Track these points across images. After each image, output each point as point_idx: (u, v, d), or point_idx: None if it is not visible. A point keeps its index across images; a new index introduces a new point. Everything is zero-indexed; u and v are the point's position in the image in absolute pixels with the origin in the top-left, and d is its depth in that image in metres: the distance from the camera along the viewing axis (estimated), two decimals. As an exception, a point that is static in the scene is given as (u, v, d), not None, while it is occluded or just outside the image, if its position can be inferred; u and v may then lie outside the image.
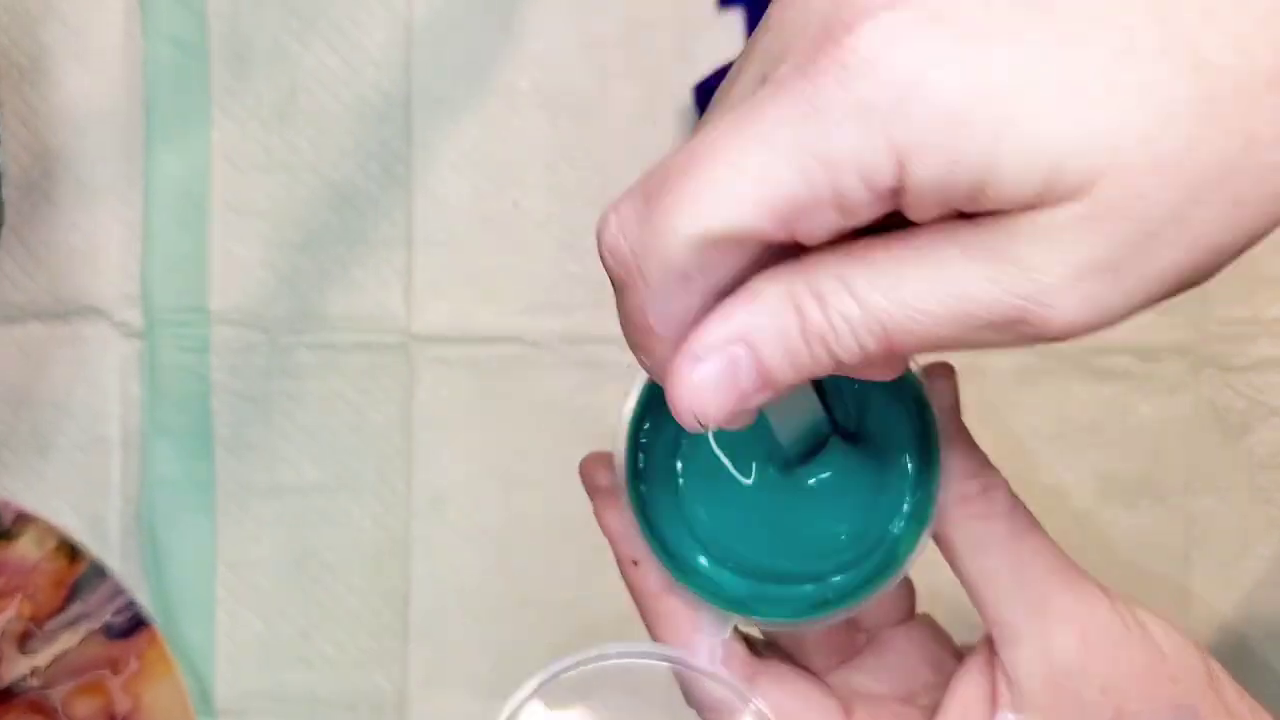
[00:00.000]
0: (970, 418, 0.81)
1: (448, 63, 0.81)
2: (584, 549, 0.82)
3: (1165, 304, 0.85)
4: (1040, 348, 0.80)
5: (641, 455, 0.42)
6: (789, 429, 0.37)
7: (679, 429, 0.36)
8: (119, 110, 0.82)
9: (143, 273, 0.82)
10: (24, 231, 0.83)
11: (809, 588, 0.40)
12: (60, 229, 0.83)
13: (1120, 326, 0.84)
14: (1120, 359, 0.80)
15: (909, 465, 0.40)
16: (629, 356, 0.86)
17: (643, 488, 0.42)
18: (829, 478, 0.39)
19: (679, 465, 0.41)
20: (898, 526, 0.40)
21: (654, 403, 0.40)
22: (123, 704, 0.82)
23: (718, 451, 0.39)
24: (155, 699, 0.82)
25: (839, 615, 0.39)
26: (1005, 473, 0.80)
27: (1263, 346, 0.80)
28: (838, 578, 0.40)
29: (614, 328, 0.86)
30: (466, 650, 0.82)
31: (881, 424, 0.40)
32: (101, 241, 0.82)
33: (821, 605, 0.39)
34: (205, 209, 0.82)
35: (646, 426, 0.42)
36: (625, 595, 0.82)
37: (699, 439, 0.39)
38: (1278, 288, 0.80)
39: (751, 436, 0.37)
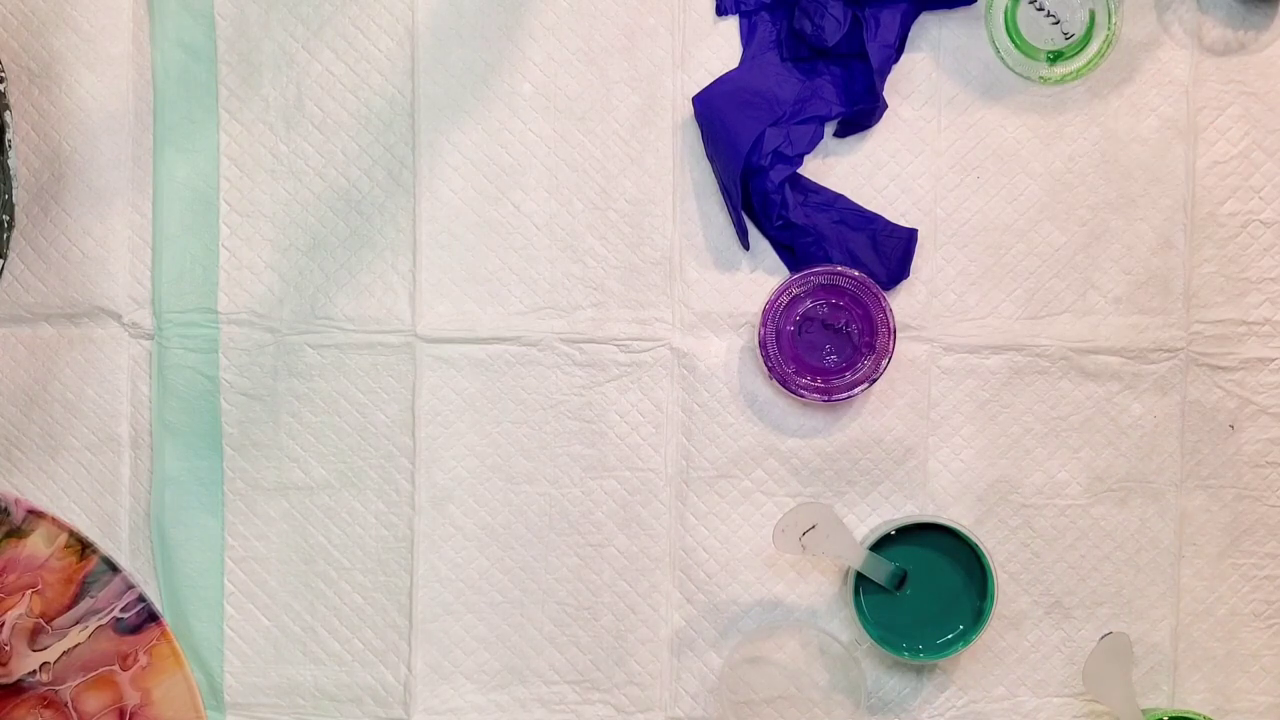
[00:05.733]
0: (965, 417, 0.82)
1: (451, 69, 0.82)
2: (584, 545, 0.83)
3: (1154, 305, 0.87)
4: (1032, 348, 0.81)
5: (860, 588, 0.79)
6: (879, 577, 0.78)
7: (863, 584, 0.79)
8: (128, 115, 0.83)
9: (152, 275, 0.83)
10: (34, 234, 0.83)
11: (933, 641, 0.80)
12: (70, 232, 0.83)
13: (1110, 328, 0.86)
14: (1111, 360, 0.81)
15: (973, 582, 0.79)
16: (628, 356, 0.88)
17: (862, 598, 0.79)
18: (919, 591, 0.79)
19: (864, 596, 0.80)
20: (974, 610, 0.79)
21: (861, 578, 0.78)
22: (132, 698, 0.82)
23: (878, 586, 0.79)
24: (164, 694, 0.82)
25: (946, 656, 0.79)
26: (999, 471, 0.81)
27: (1251, 347, 0.81)
28: (943, 638, 0.79)
29: (613, 328, 0.88)
30: (470, 645, 0.83)
31: (954, 561, 0.79)
32: (111, 244, 0.83)
33: (939, 649, 0.79)
34: (213, 212, 0.83)
35: (859, 582, 0.79)
36: (623, 590, 0.83)
37: (870, 584, 0.78)
38: (1265, 290, 0.81)
39: (882, 588, 0.79)
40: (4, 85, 0.78)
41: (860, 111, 0.80)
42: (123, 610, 0.82)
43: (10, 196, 0.78)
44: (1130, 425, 0.81)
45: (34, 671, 0.82)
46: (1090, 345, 0.81)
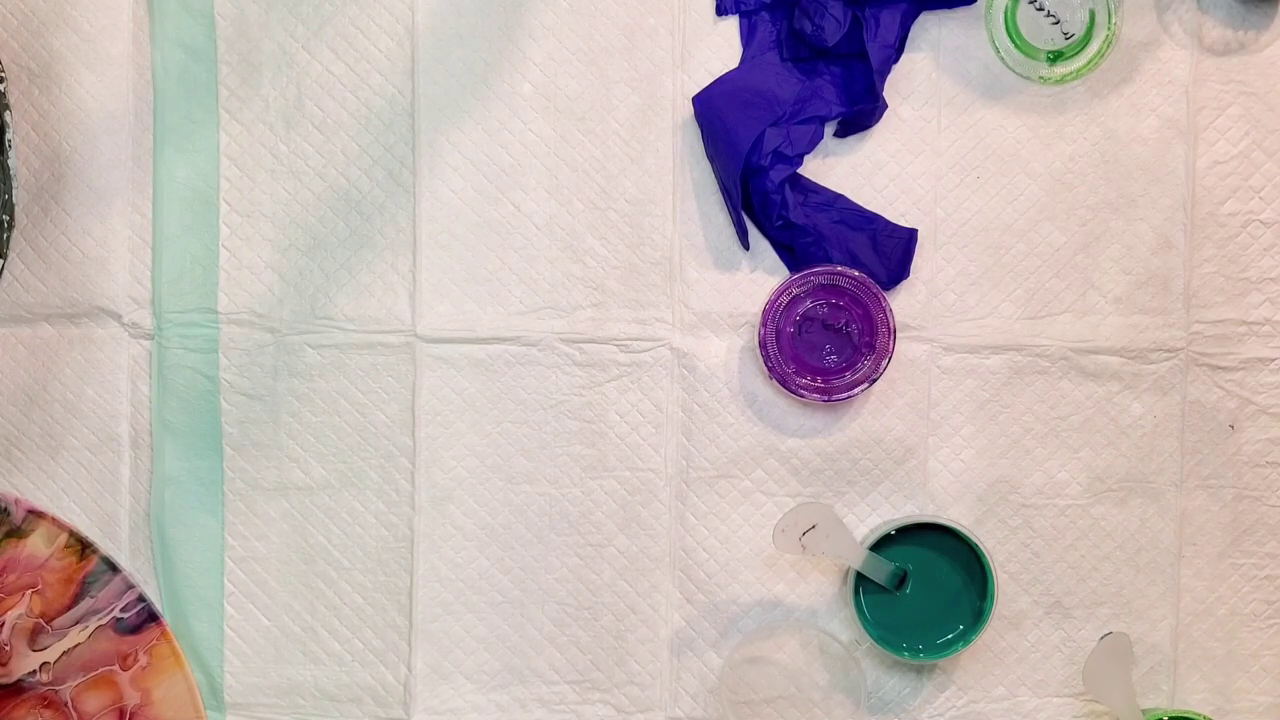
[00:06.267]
0: (965, 417, 0.82)
1: (451, 69, 0.82)
2: (584, 545, 0.83)
3: (1154, 305, 0.87)
4: (1032, 348, 0.81)
5: (860, 588, 0.79)
6: (879, 577, 0.78)
7: (863, 583, 0.79)
8: (128, 115, 0.83)
9: (152, 275, 0.83)
10: (34, 234, 0.84)
11: (933, 641, 0.79)
12: (70, 232, 0.83)
13: (1110, 328, 0.86)
14: (1111, 360, 0.81)
15: (973, 582, 0.79)
16: (628, 356, 0.88)
17: (862, 598, 0.79)
18: (919, 591, 0.79)
19: (864, 596, 0.79)
20: (974, 610, 0.79)
21: (861, 578, 0.78)
22: (132, 698, 0.82)
23: (878, 586, 0.79)
24: (164, 694, 0.82)
25: (946, 656, 0.79)
26: (999, 471, 0.81)
27: (1251, 347, 0.81)
28: (943, 638, 0.79)
29: (613, 328, 0.88)
30: (470, 645, 0.83)
31: (954, 561, 0.79)
32: (111, 244, 0.83)
33: (939, 649, 0.79)
34: (213, 212, 0.83)
35: (859, 582, 0.79)
36: (623, 590, 0.83)
37: (870, 584, 0.78)
38: (1265, 290, 0.81)
39: (882, 588, 0.79)
40: (4, 85, 0.78)
41: (860, 111, 0.80)
42: (123, 610, 0.82)
43: (10, 196, 0.78)
44: (1130, 425, 0.81)
45: (34, 671, 0.82)
46: (1090, 345, 0.81)
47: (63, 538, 0.82)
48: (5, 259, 0.78)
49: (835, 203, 0.81)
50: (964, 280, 0.81)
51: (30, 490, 0.84)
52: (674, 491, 0.82)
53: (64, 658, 0.82)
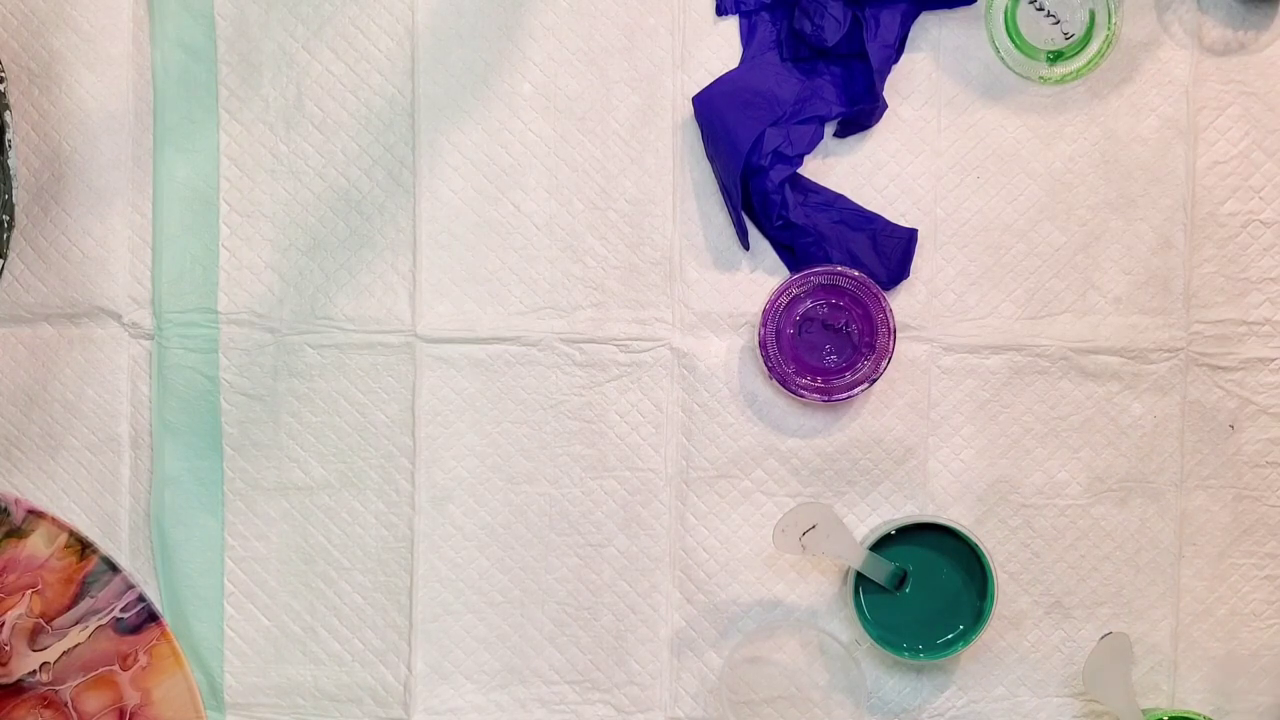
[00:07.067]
0: (965, 417, 0.82)
1: (451, 69, 0.82)
2: (584, 545, 0.83)
3: (1154, 305, 0.87)
4: (1032, 348, 0.81)
5: (860, 588, 0.79)
6: (879, 577, 0.78)
7: (863, 584, 0.79)
8: (128, 115, 0.83)
9: (152, 275, 0.83)
10: (34, 234, 0.84)
11: (933, 641, 0.79)
12: (70, 232, 0.83)
13: (1110, 328, 0.86)
14: (1111, 360, 0.81)
15: (973, 582, 0.79)
16: (628, 356, 0.88)
17: (862, 598, 0.79)
18: (919, 591, 0.79)
19: (864, 596, 0.79)
20: (974, 610, 0.79)
21: (861, 578, 0.78)
22: (132, 698, 0.82)
23: (878, 586, 0.79)
24: (164, 694, 0.82)
25: (946, 656, 0.79)
26: (998, 471, 0.81)
27: (1251, 347, 0.81)
28: (943, 638, 0.79)
29: (613, 328, 0.88)
30: (470, 645, 0.83)
31: (954, 561, 0.79)
32: (111, 244, 0.83)
33: (939, 649, 0.79)
34: (213, 212, 0.83)
35: (859, 582, 0.79)
36: (623, 590, 0.83)
37: (870, 584, 0.78)
38: (1265, 290, 0.81)
39: (882, 588, 0.79)
40: (4, 85, 0.78)
41: (860, 111, 0.80)
42: (123, 610, 0.82)
43: (10, 196, 0.78)
44: (1130, 425, 0.81)
45: (34, 671, 0.82)
46: (1090, 345, 0.81)
47: (63, 538, 0.82)
48: (5, 259, 0.78)
49: (835, 203, 0.81)
50: (964, 280, 0.81)
51: (30, 490, 0.84)
52: (674, 491, 0.82)
53: (64, 658, 0.82)
